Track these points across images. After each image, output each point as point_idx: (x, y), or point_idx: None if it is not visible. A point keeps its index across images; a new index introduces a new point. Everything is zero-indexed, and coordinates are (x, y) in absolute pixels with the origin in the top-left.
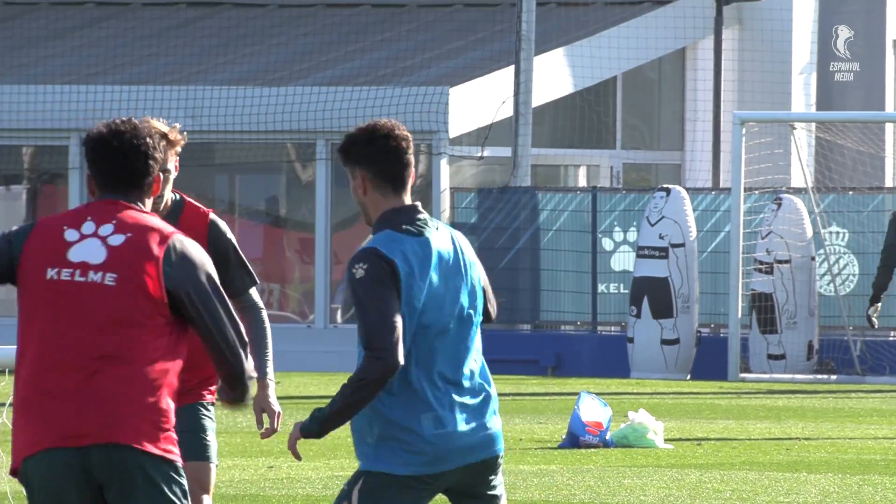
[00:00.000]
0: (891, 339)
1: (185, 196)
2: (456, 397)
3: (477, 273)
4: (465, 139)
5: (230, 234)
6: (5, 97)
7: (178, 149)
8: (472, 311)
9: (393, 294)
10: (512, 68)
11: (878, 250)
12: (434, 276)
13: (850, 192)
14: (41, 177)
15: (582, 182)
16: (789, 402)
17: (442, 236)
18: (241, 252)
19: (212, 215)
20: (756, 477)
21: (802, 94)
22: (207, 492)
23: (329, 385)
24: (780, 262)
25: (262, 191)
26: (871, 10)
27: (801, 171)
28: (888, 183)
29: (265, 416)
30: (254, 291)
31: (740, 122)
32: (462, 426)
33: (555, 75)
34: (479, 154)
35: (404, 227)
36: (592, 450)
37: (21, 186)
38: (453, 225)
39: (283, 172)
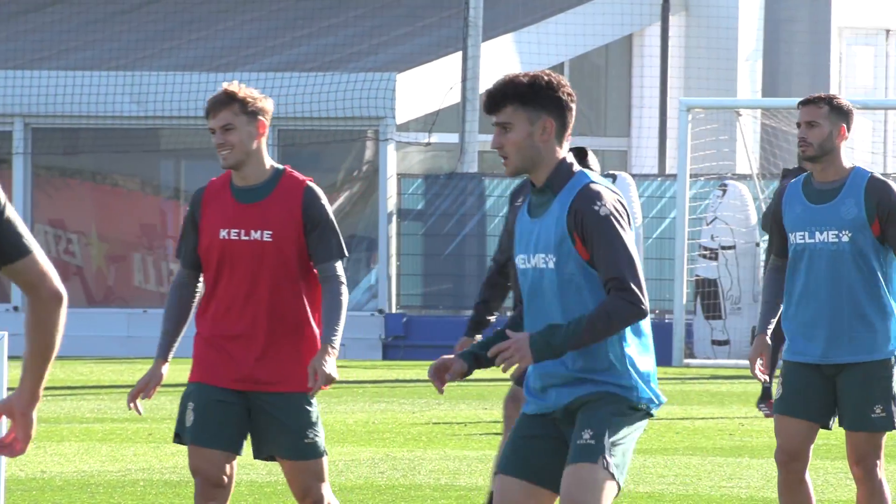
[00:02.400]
0: None
1: (287, 167)
2: None
3: None
4: (413, 125)
5: (325, 204)
6: None
7: None
8: None
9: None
10: (459, 54)
11: None
12: None
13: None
14: None
15: None
16: (733, 387)
17: None
18: (335, 224)
19: (309, 183)
20: (699, 462)
21: (748, 81)
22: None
23: None
24: (724, 248)
25: (208, 176)
26: None
27: (747, 158)
28: None
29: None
30: (338, 265)
31: (686, 109)
32: None
33: (502, 61)
34: (427, 140)
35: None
36: None
37: None
38: (399, 211)
39: None
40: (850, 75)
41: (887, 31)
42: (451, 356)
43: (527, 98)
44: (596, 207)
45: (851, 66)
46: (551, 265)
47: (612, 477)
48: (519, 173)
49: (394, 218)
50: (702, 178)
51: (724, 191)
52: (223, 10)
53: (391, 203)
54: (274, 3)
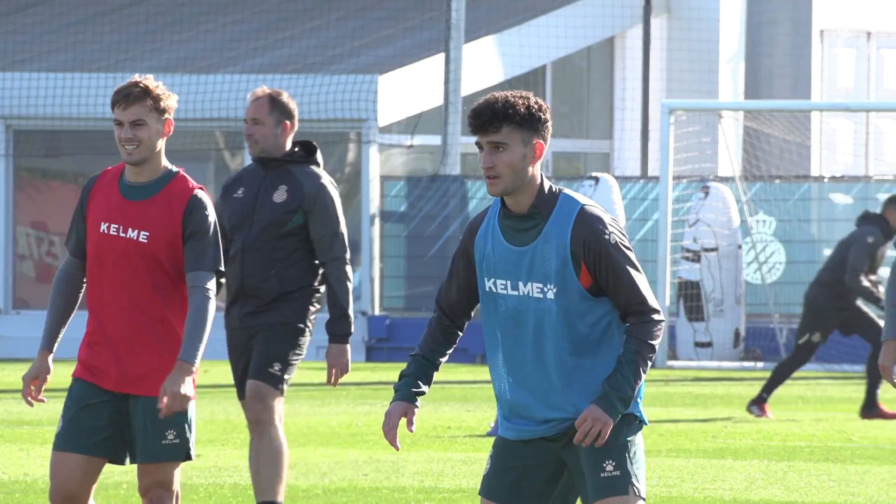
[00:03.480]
0: None
1: (182, 171)
2: None
3: None
4: (395, 127)
5: (209, 214)
6: None
7: None
8: None
9: None
10: (441, 56)
11: (804, 238)
12: None
13: (777, 181)
14: None
15: None
16: (716, 389)
17: None
18: (215, 236)
19: (197, 191)
20: (682, 464)
21: (730, 83)
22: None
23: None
24: (707, 250)
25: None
26: (797, 0)
27: (729, 160)
28: (814, 171)
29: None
30: (208, 277)
31: (668, 111)
32: None
33: (484, 64)
34: (409, 142)
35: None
36: None
37: None
38: (382, 213)
39: (212, 160)
40: (832, 77)
41: (868, 34)
42: (396, 406)
43: (524, 120)
44: (606, 236)
45: (833, 68)
46: (551, 295)
47: (642, 497)
48: (506, 194)
49: (376, 220)
50: (684, 181)
51: (707, 193)
52: (205, 12)
53: (374, 205)
54: (256, 5)
